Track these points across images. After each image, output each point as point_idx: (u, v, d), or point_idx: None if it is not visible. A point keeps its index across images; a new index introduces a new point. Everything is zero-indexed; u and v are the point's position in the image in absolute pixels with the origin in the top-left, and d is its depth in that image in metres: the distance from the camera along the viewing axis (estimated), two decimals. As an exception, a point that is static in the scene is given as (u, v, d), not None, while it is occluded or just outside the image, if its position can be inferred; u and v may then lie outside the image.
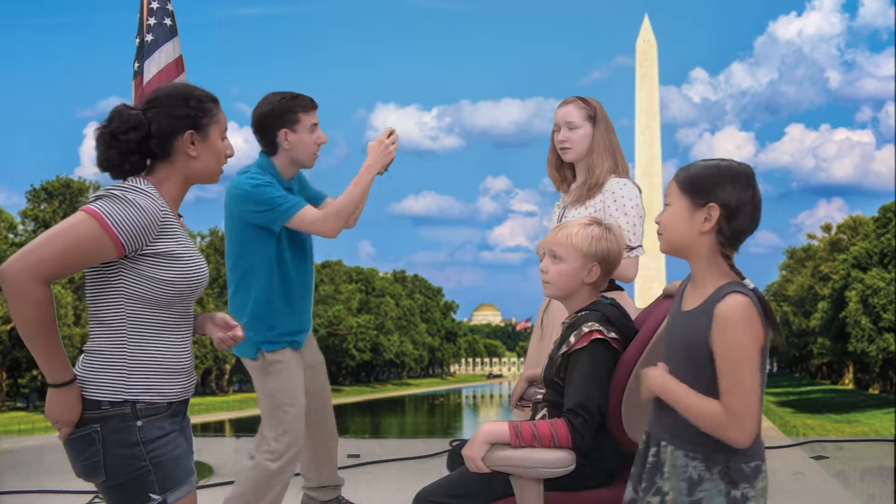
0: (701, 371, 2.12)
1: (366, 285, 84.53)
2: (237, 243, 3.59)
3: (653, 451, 2.23)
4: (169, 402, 2.29)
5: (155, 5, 4.85)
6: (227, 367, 64.74)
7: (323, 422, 3.90)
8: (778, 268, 70.23)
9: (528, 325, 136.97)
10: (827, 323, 55.67)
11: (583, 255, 2.64)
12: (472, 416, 69.31)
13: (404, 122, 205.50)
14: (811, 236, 66.62)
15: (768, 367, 2.27)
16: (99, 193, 2.25)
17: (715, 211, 2.14)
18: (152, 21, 4.84)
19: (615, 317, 2.61)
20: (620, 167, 3.50)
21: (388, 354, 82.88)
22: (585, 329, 2.56)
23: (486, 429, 2.53)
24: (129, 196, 2.21)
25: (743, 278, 2.14)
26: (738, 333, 2.06)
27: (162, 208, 2.26)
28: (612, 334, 2.56)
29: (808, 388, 65.91)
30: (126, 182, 2.26)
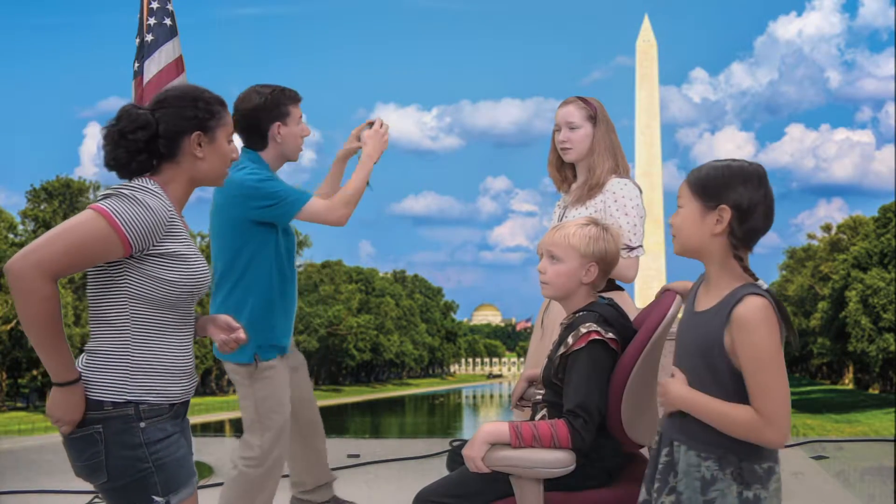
0: (716, 371, 2.12)
1: (366, 285, 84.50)
2: (235, 243, 3.51)
3: (665, 451, 2.23)
4: (171, 404, 2.28)
5: (155, 5, 4.85)
6: (227, 367, 64.66)
7: (311, 423, 3.87)
8: (778, 268, 70.19)
9: (528, 325, 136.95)
10: (827, 323, 55.67)
11: (580, 255, 2.64)
12: (472, 416, 69.30)
13: (404, 122, 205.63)
14: (811, 236, 66.63)
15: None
16: (107, 192, 2.24)
17: (726, 213, 2.14)
18: (152, 21, 4.84)
19: (613, 317, 2.61)
20: (621, 167, 3.50)
21: (388, 354, 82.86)
22: (583, 330, 2.56)
23: (486, 429, 2.53)
24: (138, 196, 2.21)
25: (756, 279, 2.14)
26: (760, 335, 2.06)
27: (169, 209, 2.26)
28: (610, 335, 2.56)
29: (808, 388, 65.88)
30: (134, 181, 2.26)
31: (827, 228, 64.10)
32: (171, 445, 2.26)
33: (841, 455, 6.18)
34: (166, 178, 2.31)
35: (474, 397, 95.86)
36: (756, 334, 2.05)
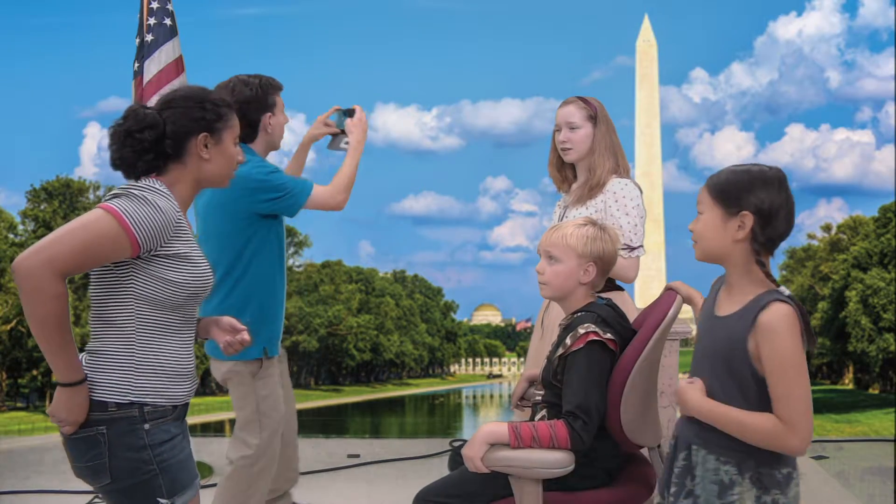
0: (739, 376, 2.12)
1: (366, 285, 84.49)
2: (239, 239, 3.48)
3: (682, 454, 2.23)
4: (174, 406, 2.28)
5: (155, 5, 4.84)
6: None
7: (291, 421, 3.86)
8: (778, 268, 70.01)
9: (528, 325, 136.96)
10: (827, 323, 55.65)
11: (578, 255, 2.64)
12: (472, 416, 69.29)
13: (404, 122, 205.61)
14: (811, 236, 66.60)
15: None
16: (116, 192, 2.23)
17: (748, 219, 2.13)
18: (152, 21, 4.83)
19: (611, 318, 2.61)
20: (621, 167, 3.50)
21: (388, 354, 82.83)
22: (581, 331, 2.56)
23: (485, 429, 2.53)
24: (147, 196, 2.21)
25: (778, 285, 2.14)
26: (785, 342, 2.06)
27: (177, 210, 2.26)
28: (609, 335, 2.56)
29: (808, 388, 65.66)
30: (142, 182, 2.26)
31: (827, 228, 64.11)
32: (175, 447, 2.25)
33: (841, 455, 6.18)
34: (172, 179, 2.31)
35: (474, 397, 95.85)
36: (781, 341, 2.05)
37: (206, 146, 2.32)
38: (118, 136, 2.28)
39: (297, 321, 68.09)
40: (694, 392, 2.18)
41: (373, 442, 7.38)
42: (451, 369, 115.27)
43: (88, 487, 2.35)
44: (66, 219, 52.57)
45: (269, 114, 3.55)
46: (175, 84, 4.77)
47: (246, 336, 2.45)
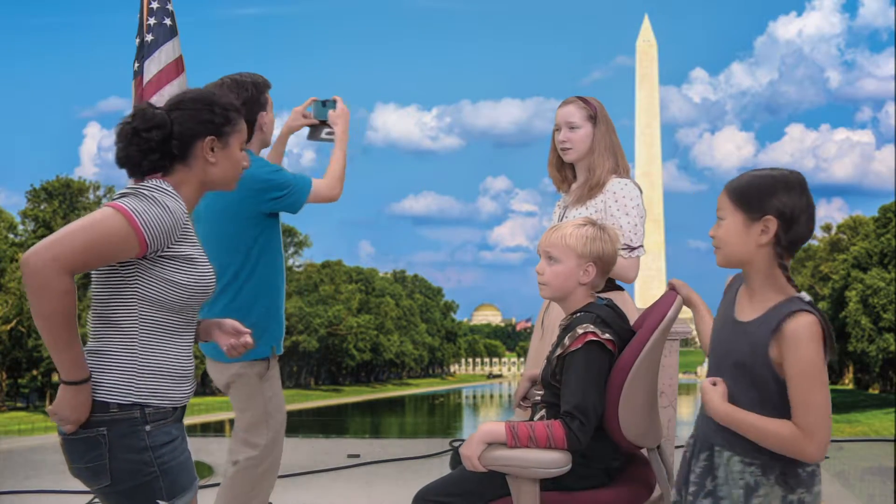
0: (759, 381, 2.14)
1: (366, 285, 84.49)
2: (247, 241, 3.47)
3: (703, 455, 2.24)
4: (174, 407, 2.27)
5: (155, 5, 4.84)
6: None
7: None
8: (778, 268, 70.10)
9: (528, 325, 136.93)
10: (827, 323, 55.59)
11: (577, 255, 2.64)
12: (472, 416, 69.28)
13: (404, 122, 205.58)
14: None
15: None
16: (124, 191, 2.23)
17: (772, 224, 2.13)
18: (152, 21, 4.83)
19: (610, 318, 2.61)
20: (621, 167, 3.50)
21: (388, 354, 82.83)
22: (580, 331, 2.56)
23: (483, 428, 2.54)
24: (157, 196, 2.21)
25: (799, 291, 2.15)
26: (809, 352, 2.07)
27: (184, 212, 2.26)
28: (607, 336, 2.56)
29: (808, 388, 65.63)
30: (150, 182, 2.25)
31: (827, 228, 64.12)
32: (175, 449, 2.24)
33: (841, 455, 6.18)
34: (177, 181, 2.30)
35: (474, 397, 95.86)
36: (805, 350, 2.07)
37: (212, 149, 2.31)
38: (125, 134, 2.27)
39: (297, 321, 68.07)
40: (715, 395, 2.19)
41: (373, 442, 7.38)
42: (451, 369, 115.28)
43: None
44: (65, 219, 52.54)
45: (263, 112, 3.57)
46: (175, 84, 4.77)
47: (249, 339, 2.45)
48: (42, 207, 53.66)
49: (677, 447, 5.83)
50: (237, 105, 2.38)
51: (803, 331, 2.07)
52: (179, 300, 2.24)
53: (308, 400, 68.16)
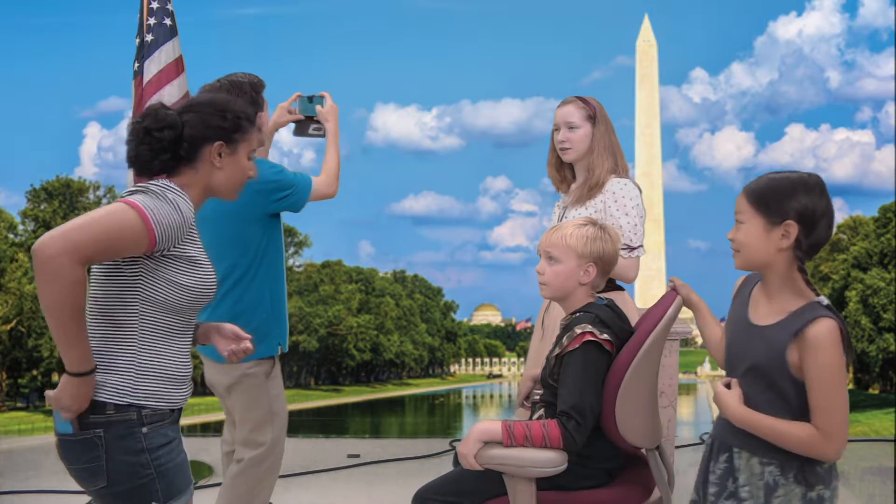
0: (777, 386, 2.15)
1: (366, 285, 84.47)
2: (255, 241, 3.48)
3: (724, 457, 2.25)
4: (171, 409, 2.27)
5: (155, 5, 4.84)
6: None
7: None
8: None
9: (528, 325, 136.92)
10: (827, 323, 55.57)
11: (578, 255, 2.64)
12: (472, 416, 69.26)
13: (404, 122, 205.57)
14: (811, 236, 66.55)
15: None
16: (134, 189, 2.23)
17: (793, 228, 2.14)
18: (152, 21, 4.83)
19: (609, 318, 2.61)
20: (620, 167, 3.49)
21: (388, 354, 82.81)
22: (578, 331, 2.56)
23: (479, 427, 2.55)
24: (168, 195, 2.21)
25: (818, 294, 2.16)
26: (830, 357, 2.09)
27: (192, 213, 2.26)
28: (605, 336, 2.56)
29: (808, 388, 65.63)
30: (159, 181, 2.25)
31: (827, 228, 64.04)
32: (172, 451, 2.24)
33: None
34: (183, 182, 2.30)
35: (474, 397, 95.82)
36: (826, 356, 2.09)
37: (220, 155, 2.32)
38: (137, 133, 2.28)
39: (297, 321, 68.03)
40: (731, 399, 2.20)
41: (373, 442, 7.38)
42: (451, 369, 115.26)
43: (88, 488, 2.34)
44: (65, 219, 52.56)
45: (261, 112, 3.58)
46: (175, 84, 4.78)
47: (249, 345, 2.45)
48: (42, 207, 53.65)
49: (677, 447, 5.84)
50: (250, 114, 2.38)
51: (825, 336, 2.09)
52: (182, 301, 2.24)
53: (308, 400, 68.14)
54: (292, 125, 3.80)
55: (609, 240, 2.69)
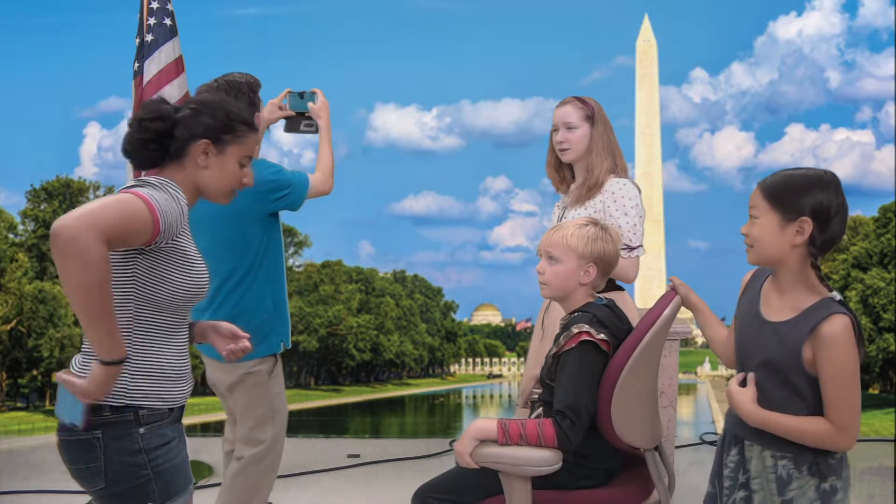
0: (791, 383, 2.17)
1: (366, 285, 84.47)
2: (257, 241, 3.49)
3: (734, 450, 2.28)
4: (170, 408, 2.26)
5: (155, 5, 4.84)
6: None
7: None
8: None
9: (528, 325, 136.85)
10: (827, 323, 55.54)
11: (578, 255, 2.64)
12: (472, 416, 69.24)
13: (404, 122, 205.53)
14: (811, 236, 66.53)
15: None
16: (134, 182, 2.22)
17: (807, 224, 2.15)
18: (152, 21, 4.83)
19: (607, 318, 2.61)
20: (619, 167, 3.49)
21: (388, 354, 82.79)
22: (575, 330, 2.56)
23: (475, 425, 2.56)
24: (168, 187, 2.22)
25: (830, 290, 2.17)
26: (845, 354, 2.11)
27: (187, 207, 2.26)
28: (602, 336, 2.56)
29: (808, 388, 65.59)
30: (154, 177, 2.26)
31: (827, 228, 64.05)
32: (170, 451, 2.23)
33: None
34: (173, 180, 2.29)
35: (474, 397, 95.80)
36: (841, 352, 2.11)
37: (206, 154, 2.30)
38: (132, 123, 2.29)
39: (297, 321, 68.01)
40: (744, 398, 2.22)
41: (373, 442, 7.37)
42: (451, 369, 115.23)
43: (88, 488, 2.34)
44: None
45: (258, 112, 3.58)
46: (175, 84, 4.78)
47: (247, 343, 2.44)
48: (42, 207, 53.65)
49: (677, 447, 5.84)
50: (247, 118, 2.35)
51: (839, 333, 2.10)
52: (176, 299, 2.23)
53: (308, 400, 68.14)
54: (283, 122, 3.81)
55: (610, 240, 2.69)
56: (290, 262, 74.07)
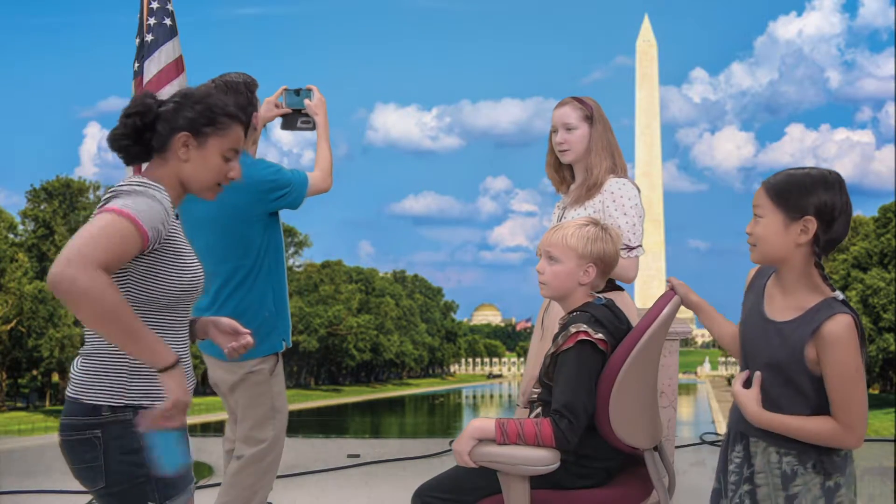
0: (794, 383, 2.18)
1: (366, 285, 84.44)
2: (258, 240, 3.49)
3: (740, 445, 2.29)
4: None
5: (155, 5, 4.85)
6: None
7: None
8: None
9: (528, 325, 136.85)
10: (827, 323, 55.52)
11: (578, 255, 2.64)
12: (472, 416, 69.18)
13: (404, 122, 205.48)
14: (811, 236, 66.46)
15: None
16: (112, 192, 2.20)
17: (812, 224, 2.15)
18: (152, 21, 4.83)
19: (606, 318, 2.61)
20: (619, 167, 3.49)
21: (388, 354, 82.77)
22: (572, 330, 2.56)
23: (474, 424, 2.56)
24: (141, 189, 2.19)
25: (833, 289, 2.18)
26: (848, 353, 2.12)
27: (171, 204, 2.24)
28: (599, 335, 2.56)
29: (808, 388, 65.62)
30: (133, 178, 2.24)
31: (827, 228, 63.99)
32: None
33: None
34: (157, 176, 2.28)
35: (474, 397, 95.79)
36: (844, 352, 2.11)
37: (186, 146, 2.27)
38: (120, 117, 2.28)
39: (297, 321, 67.99)
40: (749, 400, 2.23)
41: (373, 442, 7.37)
42: (451, 369, 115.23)
43: (88, 488, 2.34)
44: (65, 218, 52.56)
45: (256, 113, 3.58)
46: (175, 84, 4.78)
47: (250, 339, 2.44)
48: (42, 207, 53.64)
49: (677, 447, 5.83)
50: (232, 111, 2.32)
51: (842, 333, 2.11)
52: (170, 297, 2.23)
53: (308, 400, 68.13)
54: (280, 119, 3.80)
55: (610, 240, 2.69)
56: (290, 262, 74.05)
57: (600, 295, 2.73)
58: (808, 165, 2.27)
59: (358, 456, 6.06)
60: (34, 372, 51.91)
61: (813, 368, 2.15)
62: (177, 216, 2.38)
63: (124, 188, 2.20)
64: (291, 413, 3.85)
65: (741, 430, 2.30)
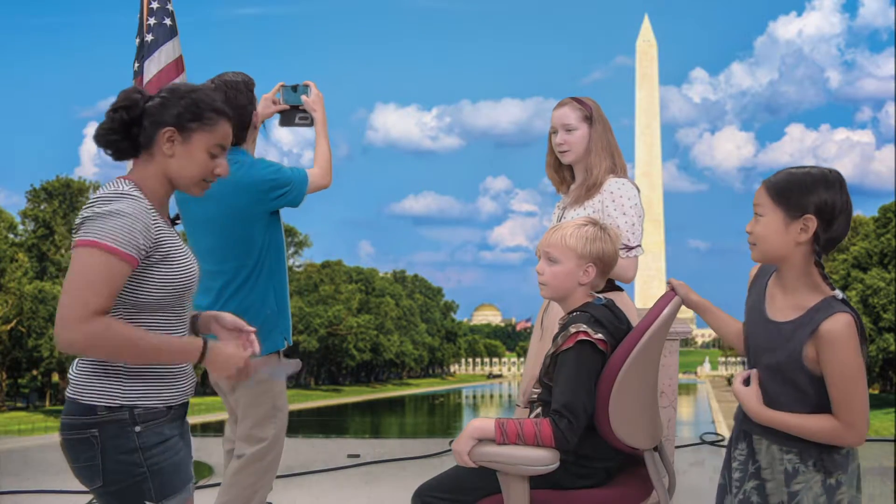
0: (793, 382, 2.19)
1: (366, 285, 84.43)
2: (260, 239, 3.49)
3: (743, 444, 2.31)
4: (168, 407, 2.25)
5: (155, 5, 4.84)
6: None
7: None
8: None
9: (528, 325, 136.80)
10: (827, 323, 55.53)
11: (577, 255, 2.64)
12: (472, 416, 69.15)
13: (404, 122, 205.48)
14: (811, 236, 66.45)
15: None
16: (78, 221, 2.17)
17: (812, 222, 2.16)
18: (152, 21, 4.83)
19: (606, 318, 2.61)
20: (619, 167, 3.49)
21: (388, 354, 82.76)
22: (572, 330, 2.56)
23: (473, 424, 2.56)
24: (109, 208, 2.14)
25: (833, 288, 2.18)
26: (848, 352, 2.12)
27: (148, 209, 2.20)
28: (599, 335, 2.56)
29: (808, 388, 65.62)
30: (105, 188, 2.21)
31: (827, 228, 63.95)
32: (167, 450, 2.23)
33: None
34: (144, 173, 2.26)
35: (474, 397, 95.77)
36: (844, 351, 2.12)
37: (171, 141, 2.25)
38: (107, 112, 2.28)
39: (298, 321, 67.98)
40: (750, 399, 2.25)
41: (373, 442, 7.37)
42: (451, 369, 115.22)
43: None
44: (65, 218, 52.52)
45: (255, 111, 3.58)
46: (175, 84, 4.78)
47: (255, 339, 2.43)
48: (42, 207, 53.64)
49: (677, 447, 5.83)
50: (219, 107, 2.30)
51: (841, 331, 2.12)
52: (163, 299, 2.22)
53: (308, 400, 68.13)
54: (277, 116, 3.80)
55: (609, 240, 2.69)
56: (291, 262, 74.04)
57: (600, 295, 2.73)
58: (808, 165, 2.27)
59: (358, 456, 6.06)
60: (34, 372, 51.91)
61: (812, 368, 2.16)
62: (177, 217, 2.37)
63: (95, 209, 2.15)
64: (291, 413, 3.85)
65: (745, 428, 2.32)
